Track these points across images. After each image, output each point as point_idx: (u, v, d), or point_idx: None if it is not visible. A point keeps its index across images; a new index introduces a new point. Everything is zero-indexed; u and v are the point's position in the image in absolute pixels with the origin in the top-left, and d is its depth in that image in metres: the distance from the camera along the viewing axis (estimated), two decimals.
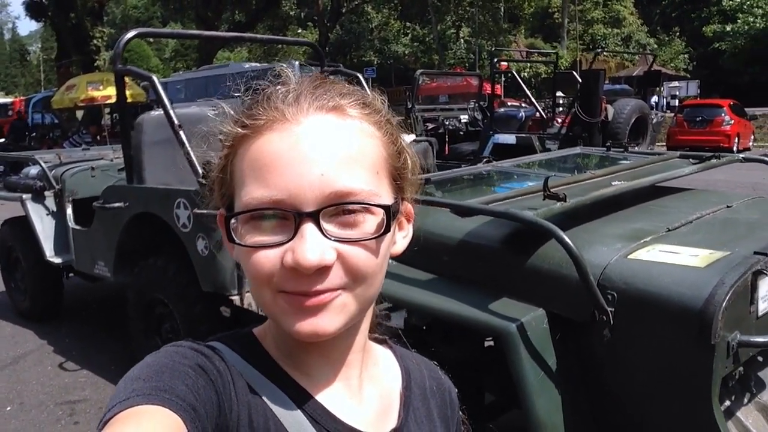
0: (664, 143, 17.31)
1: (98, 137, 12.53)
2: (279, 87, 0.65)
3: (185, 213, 3.18)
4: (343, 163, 0.60)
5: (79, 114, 16.61)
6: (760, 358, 1.87)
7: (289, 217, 0.59)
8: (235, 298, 3.11)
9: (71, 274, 4.84)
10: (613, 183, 2.34)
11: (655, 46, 34.74)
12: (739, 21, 30.05)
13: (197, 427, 0.55)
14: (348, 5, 29.99)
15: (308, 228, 0.58)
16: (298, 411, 0.65)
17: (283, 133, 0.61)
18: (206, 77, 15.70)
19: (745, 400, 1.83)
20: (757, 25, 29.29)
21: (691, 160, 2.80)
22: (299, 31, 37.60)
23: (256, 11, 26.18)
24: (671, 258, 1.72)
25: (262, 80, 0.67)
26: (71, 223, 4.38)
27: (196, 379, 0.58)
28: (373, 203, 0.61)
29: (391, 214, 0.62)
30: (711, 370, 1.51)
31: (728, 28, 30.28)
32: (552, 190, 2.00)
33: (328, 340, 0.63)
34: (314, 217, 0.59)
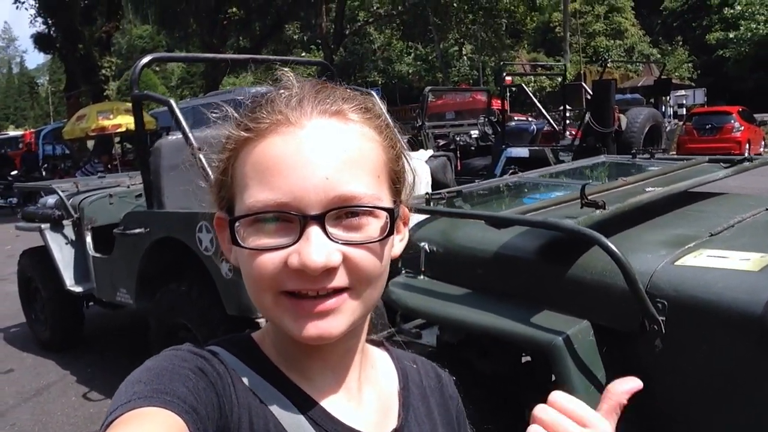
0: (674, 152, 17.23)
1: (109, 166, 12.61)
2: (282, 91, 0.65)
3: (208, 236, 3.16)
4: (346, 167, 0.60)
5: (90, 144, 16.75)
6: None
7: (293, 220, 0.59)
8: (261, 321, 3.07)
9: (91, 303, 4.82)
10: (646, 189, 2.29)
11: (659, 56, 34.82)
12: (741, 28, 30.18)
13: (199, 428, 0.54)
14: (351, 27, 30.26)
15: (314, 231, 0.59)
16: (299, 413, 0.65)
17: (287, 136, 0.61)
18: (212, 103, 15.84)
19: None
20: (761, 31, 29.44)
21: (721, 164, 2.75)
22: (303, 54, 37.94)
23: (261, 36, 26.45)
24: (721, 263, 1.66)
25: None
26: (91, 251, 4.36)
27: (196, 382, 0.58)
28: (376, 206, 0.61)
29: (394, 217, 0.63)
30: None
31: (731, 35, 30.42)
32: (589, 197, 1.96)
33: (328, 344, 0.64)
34: (319, 220, 0.59)
